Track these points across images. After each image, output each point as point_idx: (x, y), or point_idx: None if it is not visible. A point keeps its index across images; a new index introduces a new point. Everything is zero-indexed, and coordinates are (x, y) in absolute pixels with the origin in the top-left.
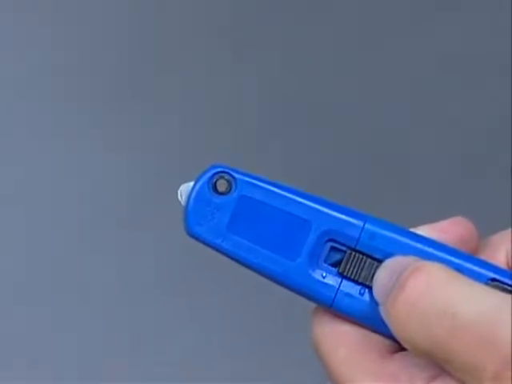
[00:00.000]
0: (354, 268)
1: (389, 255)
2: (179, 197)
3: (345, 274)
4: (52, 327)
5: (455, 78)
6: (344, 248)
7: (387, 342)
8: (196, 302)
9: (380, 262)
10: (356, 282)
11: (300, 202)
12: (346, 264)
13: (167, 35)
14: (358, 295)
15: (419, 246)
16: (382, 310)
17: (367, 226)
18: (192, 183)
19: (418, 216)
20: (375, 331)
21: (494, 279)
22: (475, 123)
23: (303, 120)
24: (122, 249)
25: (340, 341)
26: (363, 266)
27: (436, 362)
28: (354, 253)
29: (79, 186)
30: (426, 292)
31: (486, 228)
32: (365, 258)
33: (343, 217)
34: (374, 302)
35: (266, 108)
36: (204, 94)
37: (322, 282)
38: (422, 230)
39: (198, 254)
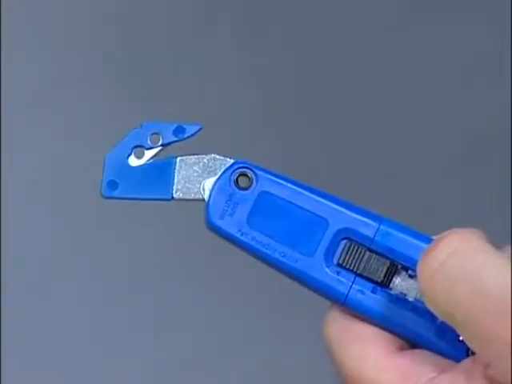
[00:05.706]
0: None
1: (402, 256)
2: (201, 191)
3: (358, 271)
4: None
5: (454, 77)
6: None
7: (398, 339)
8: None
9: (392, 261)
10: (369, 279)
11: (318, 201)
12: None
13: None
14: (370, 293)
15: None
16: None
17: (382, 227)
18: (215, 178)
19: (417, 215)
20: (386, 329)
21: None
22: (475, 123)
23: (303, 120)
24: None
25: (353, 337)
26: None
27: (454, 325)
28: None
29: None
30: (456, 253)
31: (488, 229)
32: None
33: (359, 217)
34: (385, 301)
35: (266, 107)
36: (207, 92)
37: (337, 279)
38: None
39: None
